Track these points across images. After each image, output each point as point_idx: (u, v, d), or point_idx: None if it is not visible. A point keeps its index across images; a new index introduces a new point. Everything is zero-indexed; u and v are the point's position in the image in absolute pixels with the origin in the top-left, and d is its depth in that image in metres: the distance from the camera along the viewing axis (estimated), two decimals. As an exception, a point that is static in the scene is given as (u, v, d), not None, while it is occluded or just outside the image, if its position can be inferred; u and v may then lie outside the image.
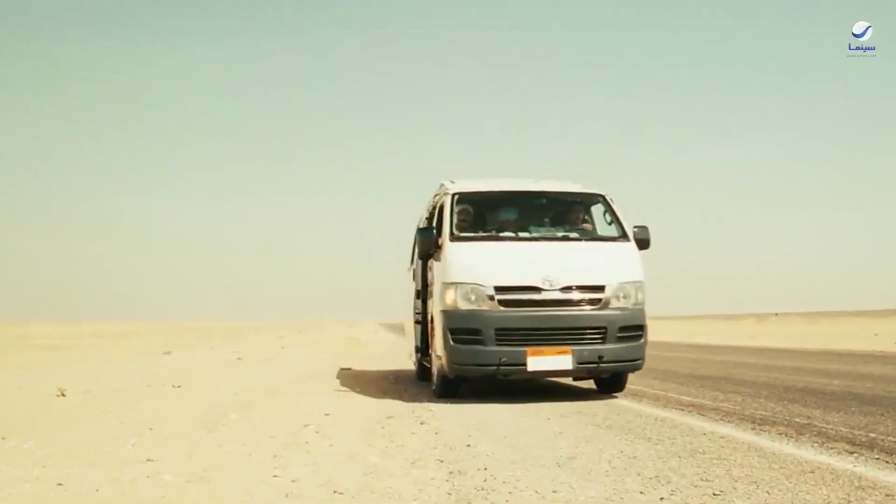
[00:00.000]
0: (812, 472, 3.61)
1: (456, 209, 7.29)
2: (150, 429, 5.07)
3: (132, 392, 7.41)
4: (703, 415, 5.67)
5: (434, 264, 7.35)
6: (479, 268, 6.68)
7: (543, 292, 6.58)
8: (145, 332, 44.86)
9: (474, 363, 6.52)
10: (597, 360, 6.54)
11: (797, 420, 5.29)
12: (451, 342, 6.55)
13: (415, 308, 8.89)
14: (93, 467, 3.86)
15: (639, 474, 3.60)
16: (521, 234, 7.38)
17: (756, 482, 3.41)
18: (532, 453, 4.21)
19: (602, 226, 7.55)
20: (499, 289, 6.56)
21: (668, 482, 3.44)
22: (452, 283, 6.65)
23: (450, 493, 3.34)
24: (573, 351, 6.51)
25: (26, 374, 10.58)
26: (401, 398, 7.37)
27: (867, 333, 23.02)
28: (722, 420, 5.41)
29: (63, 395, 6.96)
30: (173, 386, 7.94)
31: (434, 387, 7.35)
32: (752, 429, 4.97)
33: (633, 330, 6.71)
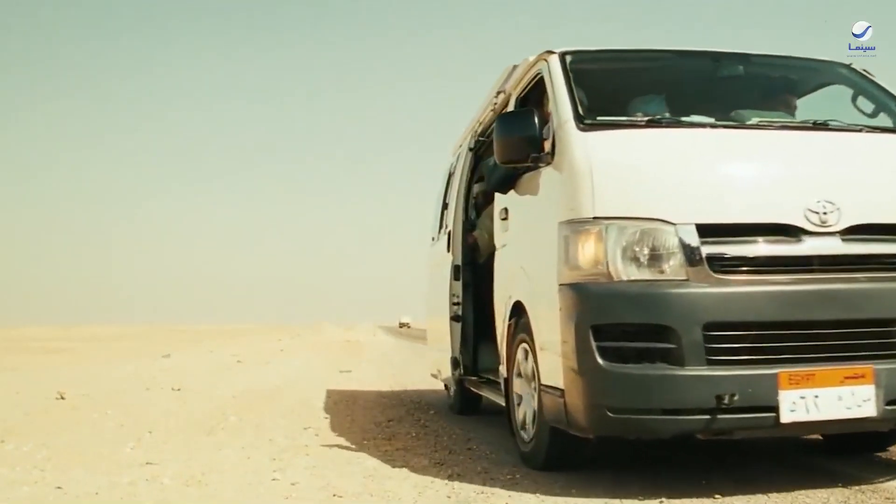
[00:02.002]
0: (812, 474, 3.60)
1: (574, 86, 3.59)
2: (150, 432, 5.07)
3: (131, 395, 7.41)
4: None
5: (516, 201, 3.95)
6: (655, 186, 3.15)
7: (808, 238, 3.09)
8: (143, 336, 44.86)
9: (655, 407, 3.01)
10: None
11: (797, 422, 5.27)
12: (599, 358, 3.01)
13: (451, 295, 5.44)
14: (91, 470, 3.85)
15: (639, 476, 3.60)
16: (725, 122, 3.75)
17: (755, 484, 3.40)
18: (532, 456, 4.19)
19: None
20: (707, 231, 3.05)
21: (669, 484, 3.43)
22: (594, 222, 3.09)
23: (449, 497, 3.33)
24: (877, 374, 2.98)
25: (24, 376, 10.57)
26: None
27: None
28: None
29: (62, 397, 6.95)
30: (172, 389, 7.94)
31: (525, 446, 3.85)
32: (752, 431, 4.95)
33: None
